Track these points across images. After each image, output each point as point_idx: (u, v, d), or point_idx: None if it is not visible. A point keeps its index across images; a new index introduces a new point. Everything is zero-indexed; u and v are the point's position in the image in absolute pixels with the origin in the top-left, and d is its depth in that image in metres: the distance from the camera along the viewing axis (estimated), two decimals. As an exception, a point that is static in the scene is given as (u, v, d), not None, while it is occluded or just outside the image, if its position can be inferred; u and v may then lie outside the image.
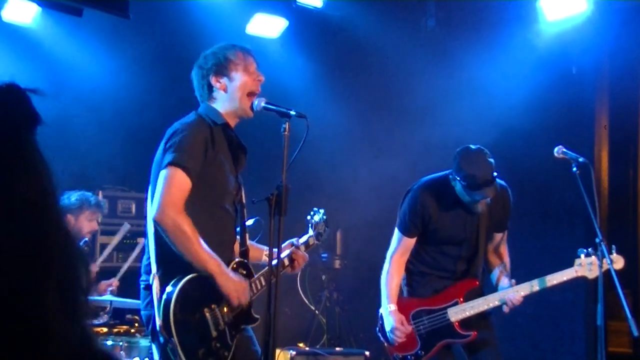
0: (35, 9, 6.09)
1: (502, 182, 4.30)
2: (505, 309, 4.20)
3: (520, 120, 6.27)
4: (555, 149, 4.10)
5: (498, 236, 4.48)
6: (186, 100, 3.70)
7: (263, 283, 3.35)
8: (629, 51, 6.06)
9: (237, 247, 3.49)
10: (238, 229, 3.48)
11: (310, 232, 3.79)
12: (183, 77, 3.60)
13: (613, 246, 4.03)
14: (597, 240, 3.99)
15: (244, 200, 3.50)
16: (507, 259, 4.46)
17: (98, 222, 5.73)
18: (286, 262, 3.56)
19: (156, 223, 3.12)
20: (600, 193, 6.02)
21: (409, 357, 4.29)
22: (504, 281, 4.28)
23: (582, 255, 4.15)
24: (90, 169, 6.67)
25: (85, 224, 5.58)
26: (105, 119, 6.78)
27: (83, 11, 5.85)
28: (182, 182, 3.12)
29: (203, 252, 3.12)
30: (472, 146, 4.19)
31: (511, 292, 4.18)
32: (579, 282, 5.90)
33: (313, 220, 3.80)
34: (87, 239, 4.75)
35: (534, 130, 6.21)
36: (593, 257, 4.11)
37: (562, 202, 5.99)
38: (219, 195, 3.30)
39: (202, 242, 3.13)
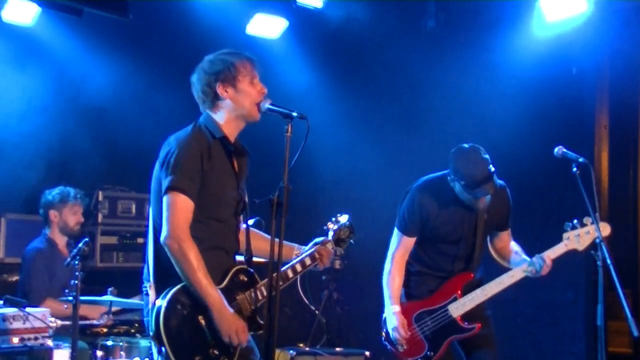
0: (35, 9, 6.09)
1: (501, 182, 4.32)
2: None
3: (520, 120, 6.27)
4: (555, 149, 4.09)
5: (504, 234, 4.52)
6: (187, 101, 3.69)
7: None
8: (629, 51, 6.06)
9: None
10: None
11: (330, 235, 3.65)
12: (184, 78, 3.58)
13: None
14: (597, 240, 3.99)
15: (247, 209, 3.49)
16: (519, 248, 4.49)
17: (82, 214, 5.80)
18: (308, 261, 3.54)
19: (165, 246, 3.18)
20: (600, 193, 6.01)
21: None
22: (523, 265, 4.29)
23: (569, 229, 4.19)
24: (90, 168, 6.67)
25: (70, 217, 5.70)
26: (105, 119, 6.77)
27: (83, 11, 5.87)
28: (184, 206, 3.18)
29: (205, 284, 3.14)
30: (466, 145, 4.23)
31: (506, 277, 4.23)
32: (579, 282, 5.95)
33: (334, 226, 3.68)
34: (87, 239, 4.75)
35: (534, 130, 6.21)
36: (580, 228, 4.15)
37: (562, 202, 5.99)
38: (215, 206, 3.31)
39: (205, 272, 3.15)
